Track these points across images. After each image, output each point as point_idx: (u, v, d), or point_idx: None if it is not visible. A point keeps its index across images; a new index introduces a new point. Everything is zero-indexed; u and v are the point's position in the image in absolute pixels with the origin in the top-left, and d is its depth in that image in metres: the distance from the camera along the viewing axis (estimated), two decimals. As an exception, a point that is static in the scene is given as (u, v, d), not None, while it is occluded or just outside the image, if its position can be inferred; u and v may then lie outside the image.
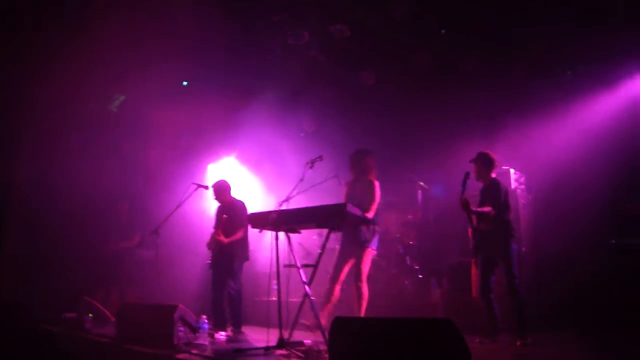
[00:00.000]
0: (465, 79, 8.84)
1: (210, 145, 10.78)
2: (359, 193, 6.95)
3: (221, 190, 8.04)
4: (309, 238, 9.09)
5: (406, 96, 9.45)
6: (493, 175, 6.73)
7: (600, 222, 7.73)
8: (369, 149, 7.29)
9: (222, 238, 7.63)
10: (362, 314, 6.64)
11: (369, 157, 7.14)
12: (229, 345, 6.60)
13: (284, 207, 6.19)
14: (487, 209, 6.42)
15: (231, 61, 9.48)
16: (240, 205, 7.94)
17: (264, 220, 6.07)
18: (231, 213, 7.82)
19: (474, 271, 7.05)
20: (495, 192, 6.53)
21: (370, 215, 6.68)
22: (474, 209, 6.44)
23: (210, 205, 8.50)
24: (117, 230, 9.37)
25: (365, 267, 6.79)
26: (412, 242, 8.95)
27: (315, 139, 10.03)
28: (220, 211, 8.07)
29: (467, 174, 6.55)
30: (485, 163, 6.73)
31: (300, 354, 5.38)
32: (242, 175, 10.92)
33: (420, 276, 8.62)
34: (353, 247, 6.81)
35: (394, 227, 9.08)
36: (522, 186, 8.27)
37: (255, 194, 10.41)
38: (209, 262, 7.76)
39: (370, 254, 6.86)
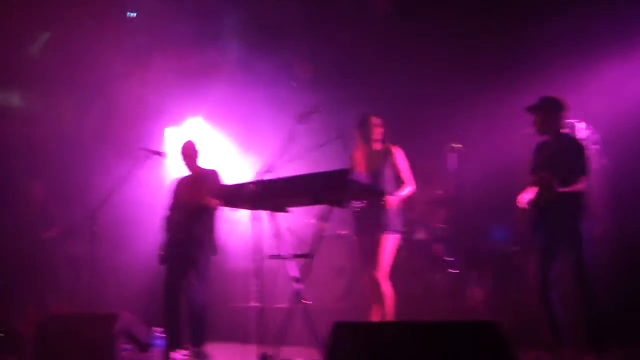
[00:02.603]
0: (513, 8, 8.85)
1: (169, 102, 10.59)
2: (374, 164, 7.06)
3: (191, 152, 7.81)
4: (303, 221, 8.97)
5: (432, 28, 9.32)
6: (562, 128, 6.51)
7: None
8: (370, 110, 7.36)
9: (206, 197, 7.35)
10: (390, 318, 6.78)
11: (381, 120, 7.26)
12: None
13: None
14: (580, 185, 6.17)
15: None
16: (213, 175, 7.70)
17: (238, 195, 5.89)
18: (200, 185, 7.59)
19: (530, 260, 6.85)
20: (579, 155, 6.28)
21: (411, 185, 7.03)
22: (561, 189, 6.13)
23: (168, 179, 8.40)
24: (28, 218, 9.15)
25: (387, 257, 6.89)
26: (442, 225, 8.95)
27: (313, 90, 9.91)
28: (180, 184, 7.87)
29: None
30: (553, 111, 6.45)
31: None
32: (213, 141, 10.80)
33: (454, 270, 8.55)
34: (371, 230, 6.90)
35: (418, 205, 9.04)
36: (596, 146, 8.09)
37: (232, 167, 10.24)
38: (161, 253, 7.50)
39: (393, 240, 6.96)
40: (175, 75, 10.22)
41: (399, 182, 6.95)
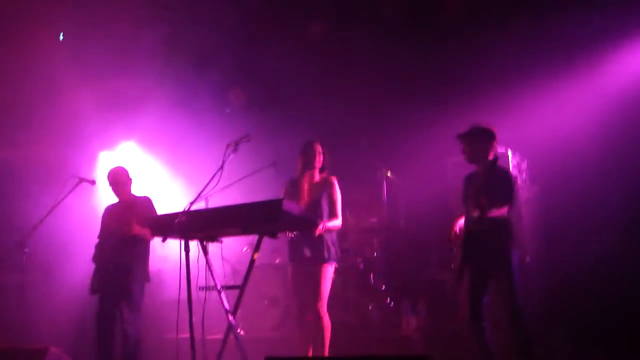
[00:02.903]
0: (444, 35, 8.95)
1: (102, 126, 10.41)
2: (314, 194, 6.98)
3: (120, 178, 7.63)
4: (237, 251, 8.99)
5: (367, 54, 9.38)
6: (492, 157, 6.43)
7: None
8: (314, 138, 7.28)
9: (135, 227, 7.17)
10: (326, 352, 6.67)
11: (325, 148, 7.19)
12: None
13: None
14: (503, 210, 6.16)
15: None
16: (145, 202, 7.56)
17: (168, 225, 5.70)
18: (130, 213, 7.39)
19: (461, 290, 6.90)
20: (506, 183, 6.31)
21: (339, 219, 6.94)
22: (490, 215, 6.08)
23: (101, 206, 8.14)
24: None
25: (326, 287, 6.81)
26: (376, 253, 8.89)
27: (247, 115, 10.01)
28: (111, 212, 7.71)
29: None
30: (483, 140, 6.44)
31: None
32: (148, 167, 10.74)
33: (388, 300, 8.52)
34: (307, 259, 6.81)
35: (351, 234, 8.98)
36: (524, 175, 8.22)
37: (165, 192, 10.24)
38: (92, 283, 7.33)
39: (332, 270, 6.90)
40: (108, 99, 10.08)
41: (334, 214, 6.88)
